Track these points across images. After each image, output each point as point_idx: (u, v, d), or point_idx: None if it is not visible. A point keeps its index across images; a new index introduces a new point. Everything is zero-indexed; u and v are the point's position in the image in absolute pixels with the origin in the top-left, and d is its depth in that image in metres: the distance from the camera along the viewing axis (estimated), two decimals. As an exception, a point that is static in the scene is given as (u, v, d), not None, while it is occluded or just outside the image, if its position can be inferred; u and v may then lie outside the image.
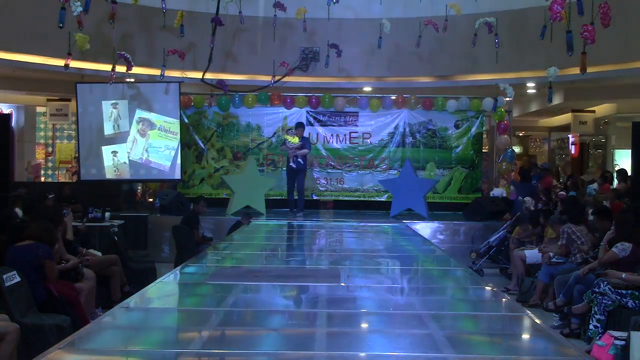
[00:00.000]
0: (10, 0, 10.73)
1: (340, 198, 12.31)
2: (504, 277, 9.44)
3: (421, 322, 4.02)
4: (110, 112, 11.70)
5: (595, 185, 11.55)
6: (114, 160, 11.78)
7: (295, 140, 10.78)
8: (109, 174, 11.80)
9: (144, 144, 11.81)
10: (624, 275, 5.92)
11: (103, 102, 11.67)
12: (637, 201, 8.56)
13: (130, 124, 11.78)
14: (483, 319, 4.30)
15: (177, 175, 11.88)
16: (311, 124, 12.20)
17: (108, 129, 11.74)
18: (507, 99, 11.75)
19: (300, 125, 11.08)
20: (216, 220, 10.67)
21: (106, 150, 11.77)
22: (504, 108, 11.85)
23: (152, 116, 11.76)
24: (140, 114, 11.77)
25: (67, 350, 3.21)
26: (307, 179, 11.98)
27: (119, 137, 11.78)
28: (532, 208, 9.90)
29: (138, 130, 11.80)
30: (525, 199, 10.28)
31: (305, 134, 11.23)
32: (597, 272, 6.40)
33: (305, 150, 10.90)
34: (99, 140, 11.71)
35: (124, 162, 11.81)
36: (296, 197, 11.11)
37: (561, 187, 12.43)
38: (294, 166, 10.84)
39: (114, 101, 11.67)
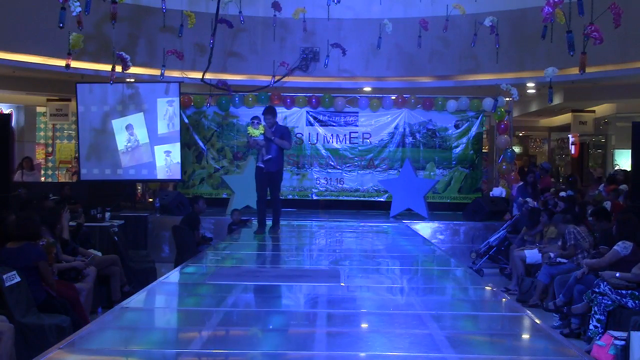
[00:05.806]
0: (10, 0, 10.73)
1: (340, 198, 12.31)
2: (504, 277, 9.43)
3: (421, 322, 4.02)
4: (166, 110, 11.39)
5: (601, 187, 11.52)
6: (167, 161, 11.47)
7: (258, 132, 7.74)
8: (160, 174, 11.56)
9: None
10: (617, 274, 5.91)
11: (158, 99, 11.37)
12: (637, 201, 8.55)
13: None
14: (483, 319, 4.30)
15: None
16: (311, 124, 12.20)
17: (162, 128, 11.43)
18: (508, 99, 11.75)
19: (269, 112, 7.85)
20: (216, 220, 10.66)
21: (158, 150, 11.46)
22: (504, 108, 11.84)
23: None
24: None
25: (67, 350, 3.21)
26: (306, 179, 11.96)
27: (173, 136, 11.46)
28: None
29: None
30: (527, 199, 10.27)
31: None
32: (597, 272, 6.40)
33: (284, 143, 7.89)
34: (102, 140, 11.53)
35: (177, 162, 11.49)
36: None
37: (562, 188, 12.39)
38: (262, 166, 7.85)
39: (169, 98, 11.39)
